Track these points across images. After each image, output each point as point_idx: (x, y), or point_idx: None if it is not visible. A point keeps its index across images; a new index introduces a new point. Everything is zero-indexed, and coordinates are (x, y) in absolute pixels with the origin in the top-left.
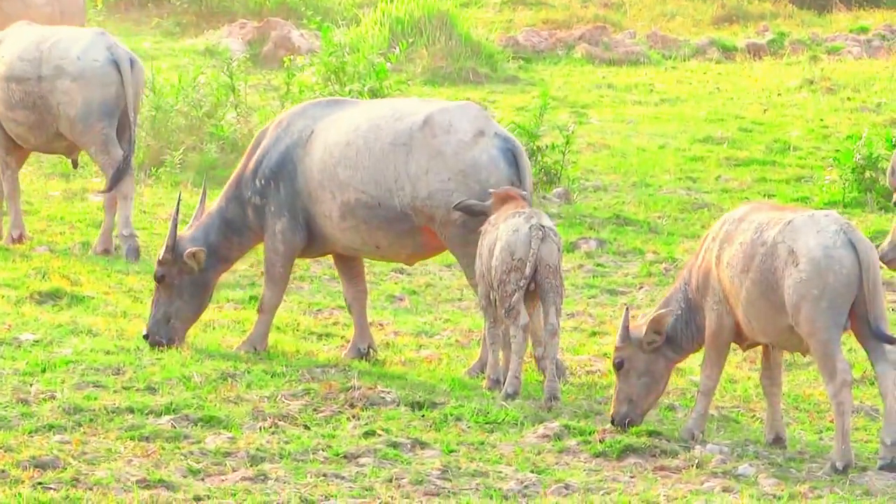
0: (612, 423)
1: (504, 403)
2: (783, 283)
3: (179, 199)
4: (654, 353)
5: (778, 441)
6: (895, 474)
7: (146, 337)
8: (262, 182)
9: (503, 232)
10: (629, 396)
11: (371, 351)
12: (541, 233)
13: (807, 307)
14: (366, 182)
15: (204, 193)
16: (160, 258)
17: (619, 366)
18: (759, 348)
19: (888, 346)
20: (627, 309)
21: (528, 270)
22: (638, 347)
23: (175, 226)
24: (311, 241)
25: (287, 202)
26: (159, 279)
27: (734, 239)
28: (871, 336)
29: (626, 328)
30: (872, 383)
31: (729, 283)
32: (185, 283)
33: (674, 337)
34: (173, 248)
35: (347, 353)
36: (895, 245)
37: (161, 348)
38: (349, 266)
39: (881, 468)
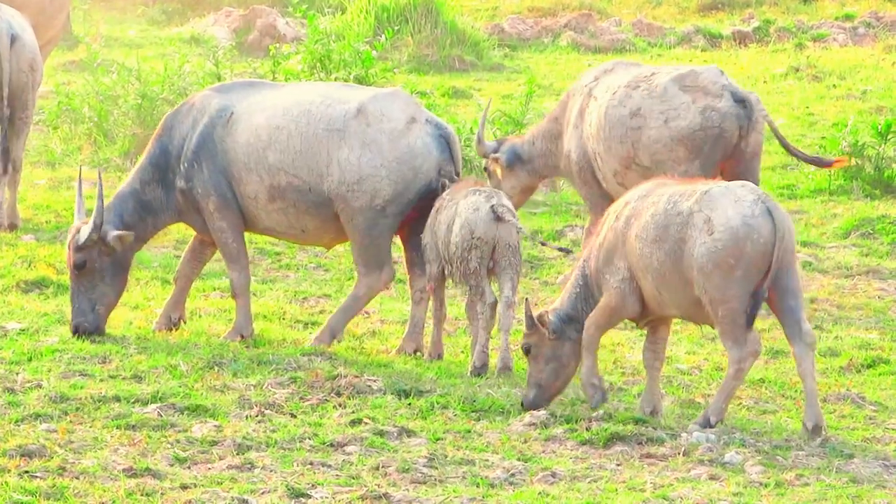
0: (522, 406)
1: (493, 393)
2: (694, 251)
3: (100, 179)
4: (559, 340)
5: (654, 415)
6: (880, 462)
7: (76, 330)
8: (187, 165)
9: (463, 209)
10: (538, 381)
11: (181, 322)
12: (501, 210)
13: (719, 275)
14: (298, 166)
15: (80, 183)
16: (81, 243)
17: (526, 351)
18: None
19: (805, 328)
20: (527, 300)
21: (487, 249)
22: (544, 334)
23: (102, 204)
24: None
25: (212, 181)
26: (80, 266)
27: (643, 212)
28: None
29: (530, 317)
30: (859, 371)
31: (638, 257)
32: (105, 267)
33: (575, 316)
34: (99, 227)
35: (158, 323)
36: None
37: (90, 337)
38: (203, 252)
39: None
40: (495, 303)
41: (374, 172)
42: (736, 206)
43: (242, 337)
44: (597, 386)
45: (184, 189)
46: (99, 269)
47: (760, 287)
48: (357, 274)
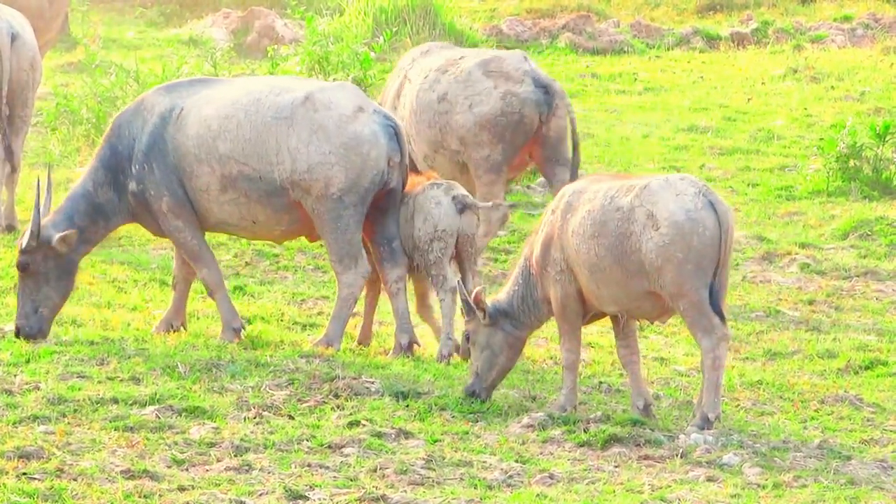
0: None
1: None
2: (641, 246)
3: (39, 185)
4: (494, 327)
5: (647, 409)
6: (878, 464)
7: (18, 332)
8: (138, 167)
9: (423, 203)
10: (476, 370)
11: (182, 328)
12: (465, 201)
13: (673, 270)
14: (248, 154)
15: (49, 185)
16: (24, 247)
17: (466, 338)
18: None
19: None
20: (460, 283)
21: (451, 240)
22: (480, 321)
23: (38, 212)
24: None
25: (164, 182)
26: (23, 268)
27: (579, 208)
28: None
29: (465, 301)
30: (856, 372)
31: (574, 252)
32: (51, 269)
33: (511, 312)
34: (38, 234)
35: (158, 328)
36: None
37: (33, 340)
38: None
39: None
40: (455, 288)
41: (323, 159)
42: (678, 199)
43: (235, 331)
44: (568, 411)
45: (135, 192)
46: (43, 273)
47: (714, 278)
48: (336, 275)
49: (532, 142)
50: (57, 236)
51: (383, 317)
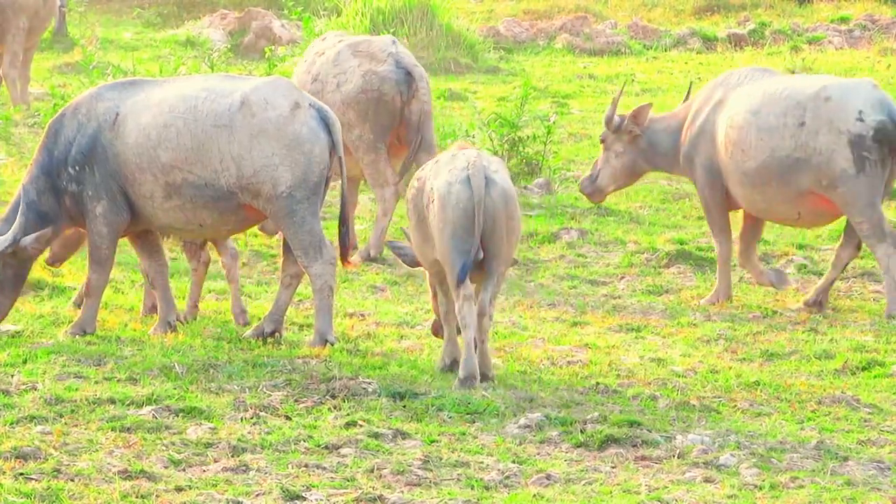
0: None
1: (487, 395)
2: (428, 219)
3: (22, 191)
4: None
5: (455, 364)
6: (875, 464)
7: None
8: (77, 169)
9: None
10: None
11: (178, 321)
12: None
13: (438, 238)
14: (191, 163)
15: None
16: None
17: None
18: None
19: (492, 291)
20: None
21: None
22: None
23: (24, 220)
24: (129, 221)
25: (103, 185)
26: None
27: (415, 179)
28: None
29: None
30: (854, 373)
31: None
32: (8, 279)
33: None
34: (20, 240)
35: (156, 329)
36: (590, 178)
37: None
38: (147, 242)
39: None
40: (237, 254)
41: (268, 162)
42: (448, 174)
43: (85, 332)
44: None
45: (74, 192)
46: (1, 283)
47: (475, 248)
48: (303, 268)
49: (399, 123)
50: (29, 238)
51: (381, 317)
